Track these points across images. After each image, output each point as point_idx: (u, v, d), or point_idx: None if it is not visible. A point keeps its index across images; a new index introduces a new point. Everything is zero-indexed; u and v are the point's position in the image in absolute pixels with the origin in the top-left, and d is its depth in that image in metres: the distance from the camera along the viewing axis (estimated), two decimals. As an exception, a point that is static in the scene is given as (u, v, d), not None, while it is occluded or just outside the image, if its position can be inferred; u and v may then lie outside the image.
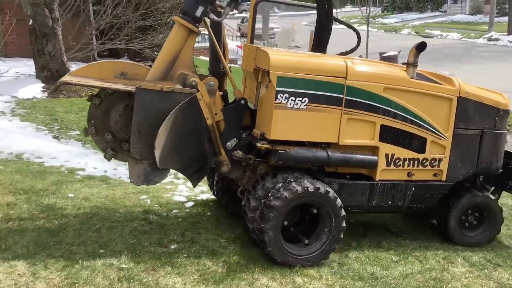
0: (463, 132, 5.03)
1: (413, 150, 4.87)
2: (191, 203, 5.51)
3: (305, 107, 4.40)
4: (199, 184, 4.75)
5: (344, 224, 4.48)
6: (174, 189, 5.88)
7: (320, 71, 4.46)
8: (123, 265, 3.97)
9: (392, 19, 44.09)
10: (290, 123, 4.42)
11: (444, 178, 5.02)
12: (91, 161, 6.65)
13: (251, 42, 5.23)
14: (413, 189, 4.90)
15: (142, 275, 3.88)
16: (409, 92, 4.74)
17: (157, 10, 12.32)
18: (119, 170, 6.40)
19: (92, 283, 3.68)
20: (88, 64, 4.65)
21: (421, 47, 4.75)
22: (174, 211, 5.29)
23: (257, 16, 5.92)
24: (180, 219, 5.06)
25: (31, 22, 9.47)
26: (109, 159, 4.60)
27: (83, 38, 11.43)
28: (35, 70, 9.75)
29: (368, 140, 4.70)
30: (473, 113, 5.05)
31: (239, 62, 13.36)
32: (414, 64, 4.79)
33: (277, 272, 4.18)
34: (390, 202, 4.87)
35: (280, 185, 4.34)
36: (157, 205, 5.39)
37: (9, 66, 10.83)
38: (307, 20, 39.66)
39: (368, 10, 19.69)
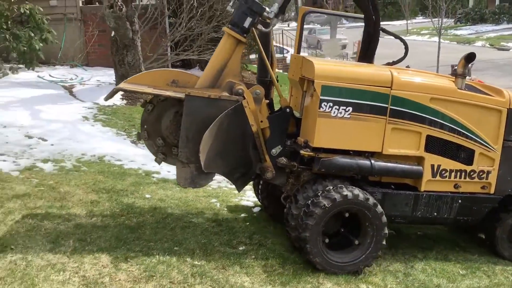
0: None
1: (460, 161, 4.80)
2: (258, 208, 5.72)
3: (348, 116, 4.46)
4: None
5: (386, 231, 4.47)
6: (242, 194, 6.10)
7: (365, 80, 4.52)
8: (196, 262, 4.23)
9: (465, 31, 42.67)
10: (333, 131, 4.49)
11: (492, 191, 4.92)
12: (165, 165, 7.02)
13: (298, 52, 5.41)
14: (459, 201, 4.83)
15: (213, 272, 4.11)
16: (456, 102, 4.71)
17: (229, 22, 12.70)
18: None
19: (168, 277, 3.96)
20: (142, 72, 4.99)
21: (469, 58, 4.74)
22: (242, 215, 5.51)
23: (323, 27, 6.06)
24: (248, 223, 5.27)
25: (113, 33, 10.10)
26: (159, 163, 4.81)
27: (159, 49, 12.00)
28: (115, 79, 10.35)
29: (413, 150, 4.68)
30: None
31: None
32: (463, 75, 4.76)
33: (342, 278, 4.29)
34: (435, 214, 4.82)
35: (320, 193, 4.41)
36: (225, 209, 5.64)
37: (91, 75, 11.55)
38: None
39: (440, 21, 19.28)
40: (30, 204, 5.02)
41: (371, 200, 4.42)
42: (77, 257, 4.05)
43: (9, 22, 10.32)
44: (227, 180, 4.87)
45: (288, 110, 4.65)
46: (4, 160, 6.35)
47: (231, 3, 4.54)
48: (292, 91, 5.29)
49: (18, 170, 6.04)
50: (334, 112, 4.44)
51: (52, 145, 7.22)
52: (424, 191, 4.75)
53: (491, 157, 4.85)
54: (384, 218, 4.47)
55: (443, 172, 4.76)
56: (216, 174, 4.72)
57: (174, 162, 4.69)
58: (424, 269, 4.69)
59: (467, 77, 4.98)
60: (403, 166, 4.66)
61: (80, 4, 12.55)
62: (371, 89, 4.47)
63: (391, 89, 4.50)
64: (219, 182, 6.62)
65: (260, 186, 5.49)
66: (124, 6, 9.28)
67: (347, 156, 4.56)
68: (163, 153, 4.75)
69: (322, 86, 4.39)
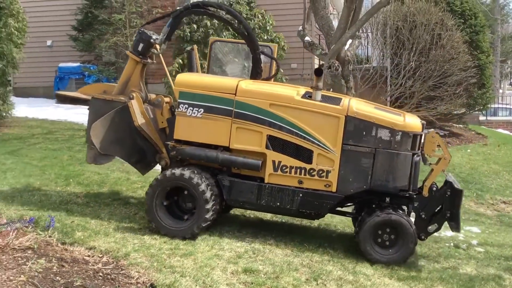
0: (353, 149, 5.26)
1: (300, 159, 5.34)
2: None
3: (200, 116, 5.45)
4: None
5: (208, 207, 5.21)
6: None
7: (214, 88, 5.48)
8: (331, 251, 5.37)
9: None
10: (188, 127, 5.49)
11: (334, 190, 5.33)
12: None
13: (207, 72, 6.48)
14: (301, 195, 5.33)
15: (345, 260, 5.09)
16: (294, 108, 5.33)
17: (447, 83, 13.32)
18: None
19: (310, 258, 5.28)
20: (86, 86, 6.83)
21: (318, 72, 5.35)
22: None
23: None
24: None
25: (331, 89, 11.93)
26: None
27: (376, 105, 13.39)
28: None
29: (256, 147, 5.40)
30: (363, 132, 5.25)
31: None
32: (317, 88, 5.34)
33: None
34: (278, 204, 5.39)
35: (165, 172, 5.40)
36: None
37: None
38: None
39: None
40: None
41: (195, 180, 5.22)
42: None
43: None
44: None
45: None
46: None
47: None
48: None
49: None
50: (189, 112, 5.49)
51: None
52: (267, 183, 5.40)
53: (331, 158, 5.30)
54: (206, 196, 5.21)
55: (284, 167, 5.37)
56: (115, 156, 6.17)
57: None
58: None
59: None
60: (243, 159, 5.40)
61: (315, 67, 14.93)
62: (219, 95, 5.43)
63: (235, 96, 5.39)
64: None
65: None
66: (340, 67, 11.06)
67: (199, 148, 5.47)
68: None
69: (180, 92, 5.53)
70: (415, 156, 5.37)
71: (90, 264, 4.52)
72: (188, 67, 6.43)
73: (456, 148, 13.12)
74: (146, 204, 5.42)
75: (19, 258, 4.33)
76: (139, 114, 5.74)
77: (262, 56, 6.07)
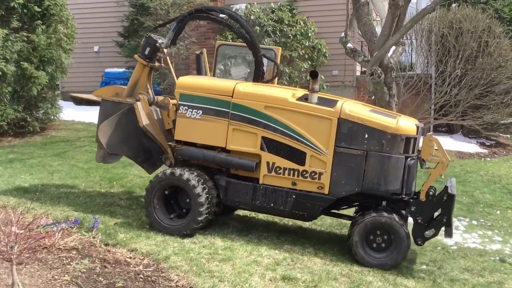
0: (346, 151, 5.23)
1: (293, 161, 5.36)
2: None
3: (199, 117, 5.57)
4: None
5: (203, 208, 5.30)
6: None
7: (212, 90, 5.60)
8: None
9: None
10: (188, 128, 5.63)
11: (327, 192, 5.30)
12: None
13: (213, 75, 6.66)
14: (294, 196, 5.35)
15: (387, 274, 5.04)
16: (289, 111, 5.36)
17: (494, 92, 12.96)
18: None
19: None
20: (101, 88, 7.25)
21: (313, 74, 5.34)
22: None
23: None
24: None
25: (373, 97, 11.78)
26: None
27: (419, 112, 13.13)
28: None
29: (251, 148, 5.46)
30: (355, 134, 5.22)
31: None
32: (313, 90, 5.35)
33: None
34: (272, 205, 5.42)
35: (166, 170, 5.56)
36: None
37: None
38: None
39: None
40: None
41: (192, 182, 5.34)
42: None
43: (297, 87, 13.14)
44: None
45: None
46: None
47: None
48: None
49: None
50: (189, 114, 5.63)
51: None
52: (262, 184, 5.44)
53: (323, 160, 5.29)
54: (202, 198, 5.33)
55: (278, 169, 5.40)
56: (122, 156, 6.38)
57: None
58: None
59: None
60: (239, 159, 5.48)
61: (357, 74, 14.76)
62: (216, 97, 5.55)
63: (232, 98, 5.49)
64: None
65: None
66: (383, 74, 10.91)
67: (197, 148, 5.62)
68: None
69: (180, 94, 5.69)
70: (408, 159, 5.27)
71: (131, 266, 4.61)
72: (197, 70, 6.60)
73: (503, 159, 12.69)
74: (145, 200, 5.60)
75: (64, 258, 4.47)
76: (144, 116, 5.95)
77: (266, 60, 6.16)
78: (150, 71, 6.25)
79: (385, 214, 5.25)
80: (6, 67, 9.59)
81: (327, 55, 13.51)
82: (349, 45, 12.25)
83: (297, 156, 5.37)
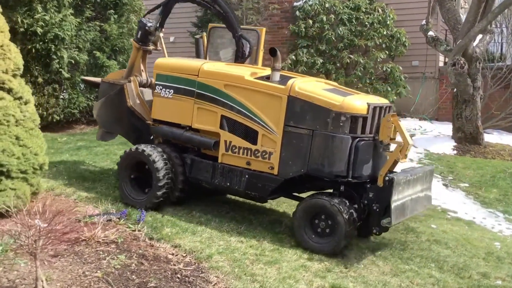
0: (294, 130, 5.03)
1: (247, 140, 5.30)
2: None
3: (171, 96, 5.73)
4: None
5: (162, 184, 5.44)
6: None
7: (181, 69, 5.75)
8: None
9: None
10: (162, 107, 5.84)
11: (276, 172, 5.12)
12: (468, 207, 7.41)
13: (205, 58, 6.61)
14: (246, 176, 5.26)
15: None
16: (244, 89, 5.31)
17: None
18: (488, 220, 6.94)
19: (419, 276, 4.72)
20: (112, 72, 7.82)
21: (272, 52, 5.20)
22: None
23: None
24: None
25: (454, 89, 10.83)
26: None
27: (508, 108, 11.97)
28: (452, 131, 11.00)
29: (212, 127, 5.51)
30: (303, 113, 5.00)
31: None
32: (275, 68, 5.26)
33: None
34: (228, 184, 5.40)
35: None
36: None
37: (435, 127, 12.46)
38: None
39: None
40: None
41: (153, 157, 5.47)
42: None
43: (373, 78, 12.43)
44: None
45: None
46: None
47: None
48: None
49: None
50: (163, 93, 5.82)
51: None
52: (220, 162, 5.43)
53: (273, 139, 5.15)
54: (160, 173, 5.44)
55: (234, 148, 5.37)
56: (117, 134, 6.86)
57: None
58: None
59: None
60: (200, 137, 5.59)
61: (440, 65, 13.71)
62: (184, 76, 5.68)
63: (198, 77, 5.57)
64: None
65: None
66: (466, 65, 9.97)
67: (168, 127, 5.80)
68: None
69: (157, 74, 5.90)
70: (356, 140, 4.87)
71: (171, 264, 4.41)
72: (196, 53, 6.78)
73: None
74: (117, 174, 5.85)
75: (101, 252, 4.33)
76: (133, 96, 6.25)
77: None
78: (144, 54, 6.55)
79: (324, 197, 4.97)
80: (79, 56, 9.81)
81: (406, 45, 12.63)
82: (430, 33, 11.36)
83: (251, 135, 5.32)
